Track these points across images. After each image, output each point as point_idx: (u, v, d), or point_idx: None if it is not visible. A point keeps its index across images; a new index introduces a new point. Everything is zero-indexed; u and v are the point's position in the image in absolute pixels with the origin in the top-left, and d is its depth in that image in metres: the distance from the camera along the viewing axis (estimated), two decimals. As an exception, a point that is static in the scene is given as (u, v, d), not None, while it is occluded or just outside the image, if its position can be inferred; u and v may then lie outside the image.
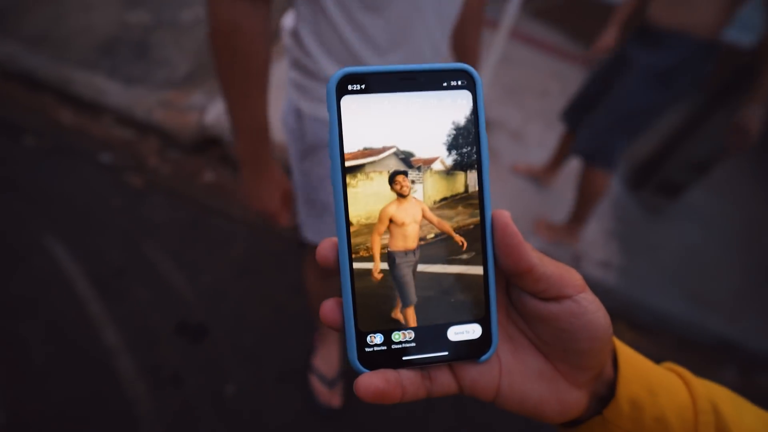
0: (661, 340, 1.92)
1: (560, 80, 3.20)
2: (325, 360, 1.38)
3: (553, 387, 0.25)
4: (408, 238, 0.25)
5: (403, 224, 0.25)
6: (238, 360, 1.40)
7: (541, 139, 2.53)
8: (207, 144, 1.99)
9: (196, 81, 2.10)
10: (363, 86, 0.23)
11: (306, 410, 1.34)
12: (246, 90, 0.72)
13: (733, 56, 2.91)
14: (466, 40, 0.98)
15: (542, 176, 2.20)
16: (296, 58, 0.79)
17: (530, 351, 0.26)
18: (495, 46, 2.17)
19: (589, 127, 1.67)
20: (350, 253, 0.23)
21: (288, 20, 0.83)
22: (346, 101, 0.22)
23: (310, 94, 0.81)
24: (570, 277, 0.24)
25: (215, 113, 2.00)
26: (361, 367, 0.23)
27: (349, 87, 0.22)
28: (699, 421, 0.26)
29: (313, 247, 1.07)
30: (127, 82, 2.01)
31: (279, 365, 1.42)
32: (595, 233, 2.16)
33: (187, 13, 2.33)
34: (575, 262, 1.99)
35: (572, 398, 0.26)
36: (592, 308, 0.24)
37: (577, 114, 1.84)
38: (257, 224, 1.80)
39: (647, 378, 0.27)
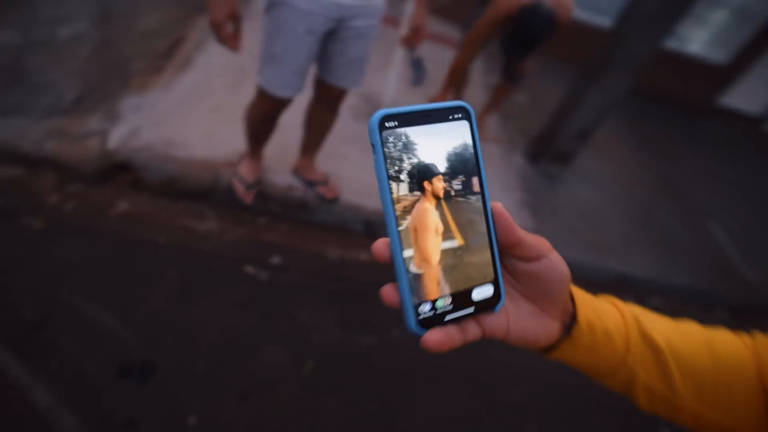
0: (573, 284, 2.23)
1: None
2: (248, 169, 1.83)
3: (540, 321, 0.35)
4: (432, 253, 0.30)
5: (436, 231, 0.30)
6: (195, 388, 1.36)
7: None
8: (114, 171, 1.84)
9: (90, 105, 1.92)
10: (396, 123, 0.29)
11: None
12: None
13: (594, 37, 3.36)
14: None
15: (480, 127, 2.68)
16: None
17: (522, 299, 0.35)
18: (399, 44, 2.29)
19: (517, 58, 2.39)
20: (401, 249, 0.29)
21: None
22: (385, 134, 0.29)
23: None
24: (543, 243, 0.33)
25: (119, 136, 1.85)
26: (419, 330, 0.30)
27: (386, 124, 0.29)
28: (629, 330, 0.39)
29: (264, 93, 1.43)
30: (3, 114, 1.77)
31: (239, 384, 1.41)
32: (507, 204, 2.42)
33: (64, 30, 2.09)
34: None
35: (552, 327, 0.36)
36: (559, 262, 0.34)
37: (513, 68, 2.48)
38: (187, 246, 1.73)
39: (593, 305, 0.38)
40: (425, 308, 0.30)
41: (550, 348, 0.38)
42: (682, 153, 4.01)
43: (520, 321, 0.34)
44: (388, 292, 0.30)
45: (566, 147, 2.67)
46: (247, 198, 1.84)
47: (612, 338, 0.38)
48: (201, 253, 1.72)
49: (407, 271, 0.29)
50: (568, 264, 0.34)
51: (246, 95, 2.25)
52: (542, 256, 0.33)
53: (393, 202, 0.29)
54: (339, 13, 1.28)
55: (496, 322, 0.33)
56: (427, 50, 3.38)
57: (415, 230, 0.30)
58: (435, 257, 0.30)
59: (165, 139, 1.91)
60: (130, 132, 1.88)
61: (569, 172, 2.82)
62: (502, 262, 0.35)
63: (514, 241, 0.32)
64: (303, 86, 1.44)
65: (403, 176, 0.29)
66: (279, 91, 1.41)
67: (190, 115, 2.04)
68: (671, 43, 4.58)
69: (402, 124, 0.29)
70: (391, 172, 0.29)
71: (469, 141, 0.32)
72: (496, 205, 0.32)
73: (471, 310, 0.32)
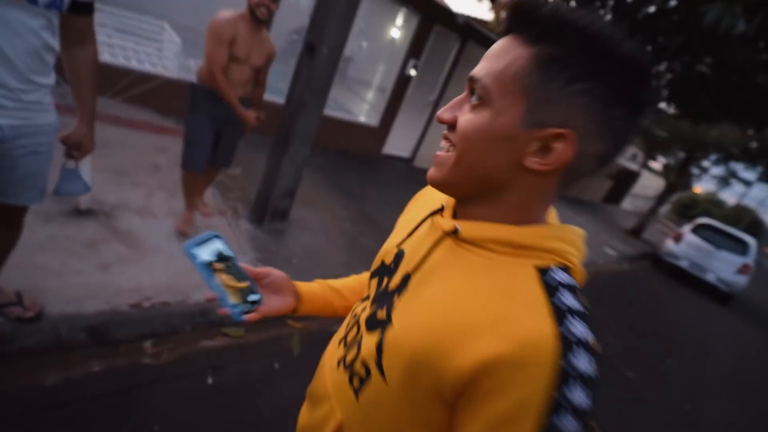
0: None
1: (165, 152, 3.53)
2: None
3: (283, 300, 0.74)
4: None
5: None
6: None
7: (170, 207, 2.79)
8: None
9: None
10: (199, 245, 0.67)
11: None
12: None
13: (276, 112, 4.14)
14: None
15: (188, 219, 2.70)
16: None
17: (271, 294, 0.73)
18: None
19: (227, 152, 2.74)
20: (222, 293, 0.66)
21: None
22: (194, 251, 0.66)
23: None
24: (269, 270, 0.75)
25: None
26: (240, 318, 0.65)
27: (191, 250, 0.66)
28: (323, 288, 0.80)
29: None
30: None
31: None
32: (245, 263, 2.68)
33: None
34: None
35: (290, 301, 0.75)
36: (279, 275, 0.75)
37: (206, 157, 2.58)
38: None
39: (305, 285, 0.79)
40: (238, 309, 0.65)
41: (295, 311, 0.76)
42: (368, 191, 5.36)
43: (274, 303, 0.73)
44: (221, 310, 0.64)
45: (280, 206, 3.20)
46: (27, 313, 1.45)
47: (318, 294, 0.79)
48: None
49: (227, 299, 0.65)
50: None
51: None
52: (270, 275, 0.74)
53: (213, 277, 0.65)
54: None
55: (264, 308, 0.70)
56: (120, 138, 3.31)
57: (225, 285, 0.66)
58: (234, 292, 0.67)
59: None
60: None
61: (290, 225, 3.36)
62: (257, 284, 0.72)
63: (255, 274, 0.72)
64: None
65: (209, 265, 0.66)
66: None
67: None
68: (344, 115, 6.16)
69: (200, 245, 0.67)
70: (205, 264, 0.65)
71: (223, 245, 0.70)
72: (246, 266, 0.71)
73: (254, 305, 0.69)
